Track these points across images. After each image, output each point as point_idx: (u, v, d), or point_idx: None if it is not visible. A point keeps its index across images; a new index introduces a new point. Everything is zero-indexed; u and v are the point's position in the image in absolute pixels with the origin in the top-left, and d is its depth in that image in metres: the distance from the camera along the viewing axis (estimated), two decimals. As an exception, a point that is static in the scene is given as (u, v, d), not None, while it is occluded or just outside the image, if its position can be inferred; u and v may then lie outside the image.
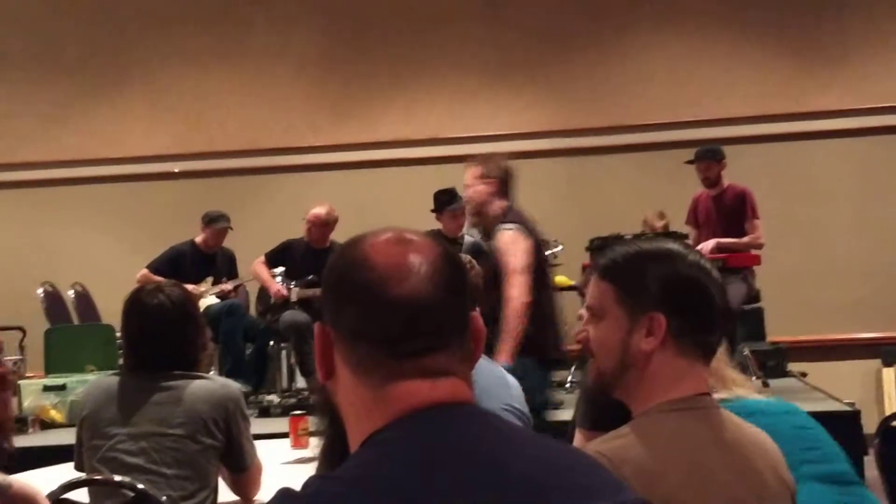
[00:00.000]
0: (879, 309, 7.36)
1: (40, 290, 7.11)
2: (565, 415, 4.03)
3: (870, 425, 3.39)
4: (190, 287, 6.08)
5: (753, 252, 5.96)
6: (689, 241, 6.23)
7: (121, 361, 3.00)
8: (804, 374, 6.59)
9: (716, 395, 1.63)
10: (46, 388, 5.99)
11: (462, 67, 7.98)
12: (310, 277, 6.12)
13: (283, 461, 3.33)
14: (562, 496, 0.95)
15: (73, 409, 5.53)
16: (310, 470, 1.20)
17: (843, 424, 4.59)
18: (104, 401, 2.65)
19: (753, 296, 6.07)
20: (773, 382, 5.83)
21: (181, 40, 8.14)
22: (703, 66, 7.80)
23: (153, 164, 8.04)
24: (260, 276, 6.41)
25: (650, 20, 7.89)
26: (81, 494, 2.52)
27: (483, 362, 1.48)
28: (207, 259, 6.63)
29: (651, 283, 1.49)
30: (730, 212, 6.03)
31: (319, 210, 6.37)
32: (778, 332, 6.85)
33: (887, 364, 7.28)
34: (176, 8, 8.19)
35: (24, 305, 7.20)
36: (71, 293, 7.27)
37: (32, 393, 5.96)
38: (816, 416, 2.31)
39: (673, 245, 1.56)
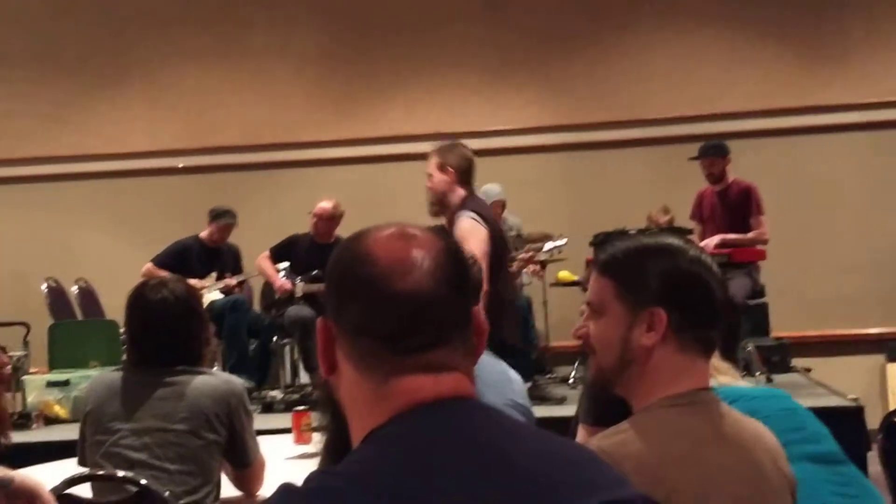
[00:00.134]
0: (883, 304, 7.35)
1: (44, 286, 7.12)
2: (568, 411, 4.02)
3: (874, 421, 3.38)
4: (194, 282, 6.10)
5: (758, 247, 5.96)
6: (694, 237, 6.23)
7: (124, 357, 3.00)
8: (808, 370, 6.58)
9: None
10: (50, 384, 5.99)
11: (463, 64, 7.98)
12: (314, 272, 6.12)
13: (287, 457, 3.33)
14: (565, 491, 0.95)
15: (77, 404, 5.53)
16: (312, 465, 1.19)
17: (847, 420, 4.58)
18: (107, 396, 2.65)
19: (758, 291, 6.07)
20: (777, 378, 5.82)
21: (182, 38, 8.14)
22: (705, 62, 7.79)
23: (156, 159, 8.05)
24: (264, 271, 6.42)
25: (651, 17, 7.88)
26: (85, 489, 2.53)
27: (485, 357, 1.48)
28: (212, 254, 6.64)
29: (651, 279, 1.48)
30: (735, 207, 6.02)
31: (326, 204, 6.39)
32: (782, 327, 6.84)
33: (892, 360, 7.27)
34: (176, 6, 8.19)
35: (28, 301, 7.21)
36: (74, 289, 7.28)
37: (36, 388, 5.97)
38: (820, 411, 2.31)
39: (673, 240, 1.55)
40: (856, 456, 2.30)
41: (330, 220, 6.37)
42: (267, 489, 2.72)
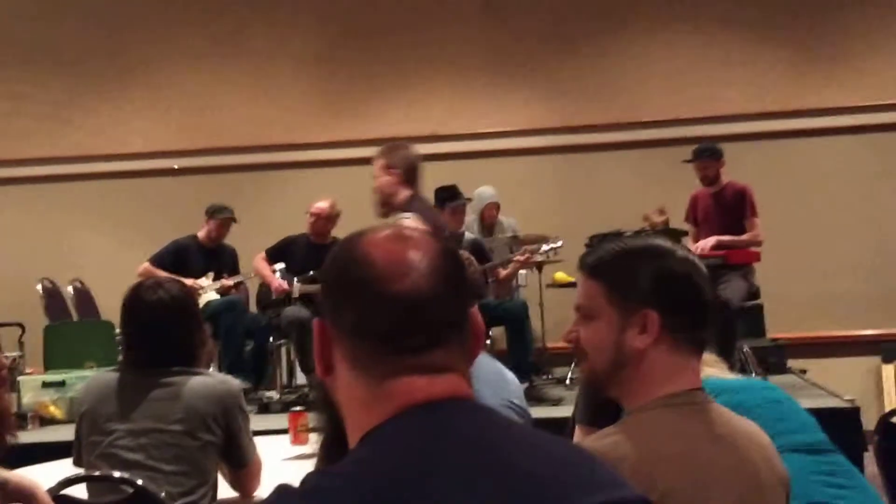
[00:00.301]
0: (879, 305, 7.37)
1: (39, 287, 7.11)
2: (565, 412, 4.02)
3: (870, 422, 3.39)
4: (191, 281, 6.11)
5: (753, 249, 5.96)
6: (689, 239, 6.23)
7: (120, 358, 2.99)
8: (804, 371, 6.59)
9: None
10: (46, 385, 5.98)
11: (462, 65, 7.98)
12: (311, 273, 6.12)
13: (283, 457, 3.33)
14: (564, 491, 0.95)
15: (73, 405, 5.52)
16: (309, 466, 1.19)
17: (843, 421, 4.59)
18: (103, 397, 2.65)
19: (753, 293, 6.07)
20: (772, 379, 5.82)
21: (181, 40, 8.14)
22: (700, 64, 7.81)
23: (153, 160, 8.04)
24: (260, 272, 6.42)
25: (649, 18, 7.90)
26: (81, 490, 2.52)
27: (481, 358, 1.48)
28: (210, 254, 6.65)
29: (642, 280, 1.48)
30: (729, 209, 6.02)
31: (323, 203, 6.42)
32: (778, 328, 6.85)
33: (887, 361, 7.28)
34: (176, 8, 8.18)
35: (23, 301, 7.20)
36: (70, 289, 7.27)
37: (32, 389, 5.96)
38: (816, 412, 2.32)
39: (660, 241, 1.55)
40: (852, 457, 2.30)
41: (328, 219, 6.39)
42: (263, 490, 2.72)
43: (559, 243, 6.14)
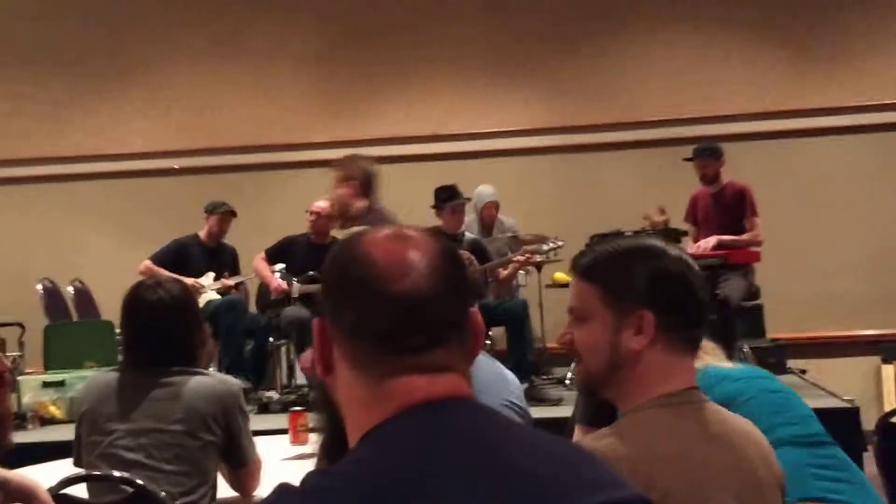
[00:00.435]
0: (879, 306, 7.36)
1: (39, 286, 7.11)
2: (565, 412, 4.02)
3: (869, 422, 3.39)
4: (192, 281, 6.11)
5: (753, 249, 5.96)
6: (689, 239, 6.23)
7: (120, 357, 2.99)
8: (804, 371, 6.59)
9: None
10: (46, 385, 5.98)
11: (462, 65, 7.98)
12: (311, 273, 6.12)
13: (283, 457, 3.33)
14: (563, 490, 0.95)
15: (73, 405, 5.52)
16: (309, 466, 1.19)
17: (842, 421, 4.58)
18: (103, 396, 2.65)
19: (753, 293, 6.07)
20: (772, 379, 5.82)
21: (181, 40, 8.14)
22: (700, 64, 7.80)
23: (153, 160, 8.04)
24: (260, 272, 6.42)
25: (649, 18, 7.90)
26: (81, 490, 2.52)
27: (482, 358, 1.48)
28: (211, 253, 6.65)
29: (637, 281, 1.47)
30: (729, 209, 6.02)
31: (323, 202, 6.41)
32: (777, 328, 6.85)
33: (887, 361, 7.28)
34: (176, 8, 8.18)
35: (23, 301, 7.20)
36: (70, 289, 7.27)
37: (32, 389, 5.96)
38: (816, 412, 2.32)
39: (653, 241, 1.55)
40: (852, 457, 2.30)
41: (328, 217, 6.37)
42: (263, 490, 2.72)
43: (560, 243, 6.13)
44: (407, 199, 6.94)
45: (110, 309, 5.77)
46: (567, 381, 6.10)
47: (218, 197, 6.85)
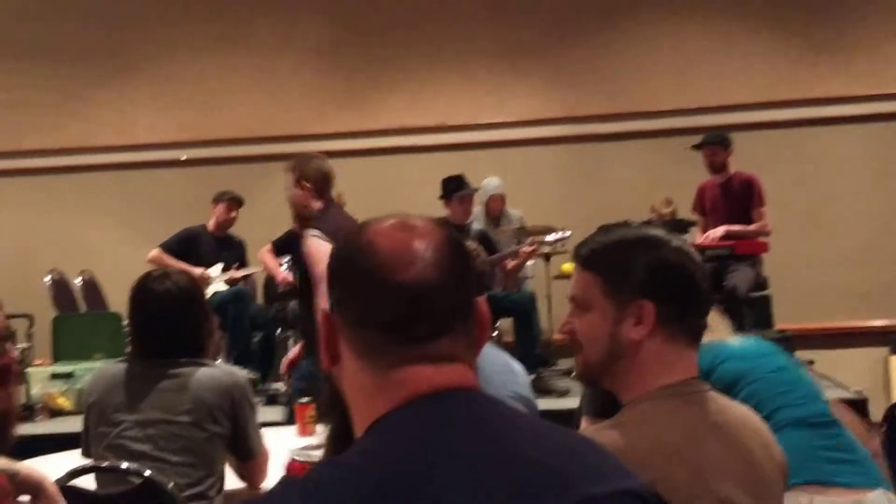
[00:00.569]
0: (887, 296, 7.34)
1: (48, 278, 7.12)
2: (572, 403, 4.03)
3: (877, 413, 3.38)
4: (199, 271, 6.13)
5: (761, 239, 5.95)
6: (697, 229, 6.22)
7: (128, 349, 3.00)
8: (811, 362, 6.57)
9: None
10: (54, 376, 6.00)
11: (467, 56, 7.96)
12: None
13: (290, 449, 3.33)
14: (570, 480, 0.95)
15: (81, 396, 5.53)
16: (316, 457, 1.19)
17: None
18: (111, 388, 2.65)
19: (761, 283, 6.06)
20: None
21: (186, 31, 8.13)
22: (711, 52, 7.77)
23: (160, 151, 8.05)
24: (266, 264, 6.42)
25: (657, 7, 7.87)
26: (89, 481, 2.53)
27: (488, 349, 1.47)
28: (219, 244, 6.67)
29: (637, 271, 1.47)
30: (737, 198, 6.01)
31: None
32: (785, 319, 6.83)
33: (895, 352, 7.26)
34: (182, -2, 8.19)
35: (31, 293, 7.20)
36: (78, 281, 7.28)
37: (40, 381, 5.98)
38: (825, 404, 2.32)
39: (654, 231, 1.54)
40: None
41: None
42: (270, 481, 2.73)
43: (567, 234, 6.12)
44: (413, 190, 6.96)
45: (118, 301, 5.78)
46: (574, 373, 6.10)
47: (225, 188, 6.86)
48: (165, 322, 2.66)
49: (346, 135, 7.91)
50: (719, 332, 2.26)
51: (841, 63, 7.65)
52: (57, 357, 6.46)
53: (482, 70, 7.94)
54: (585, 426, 1.94)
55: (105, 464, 2.53)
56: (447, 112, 7.90)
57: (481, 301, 1.08)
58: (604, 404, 1.78)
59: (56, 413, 5.82)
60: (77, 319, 6.90)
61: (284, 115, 8.01)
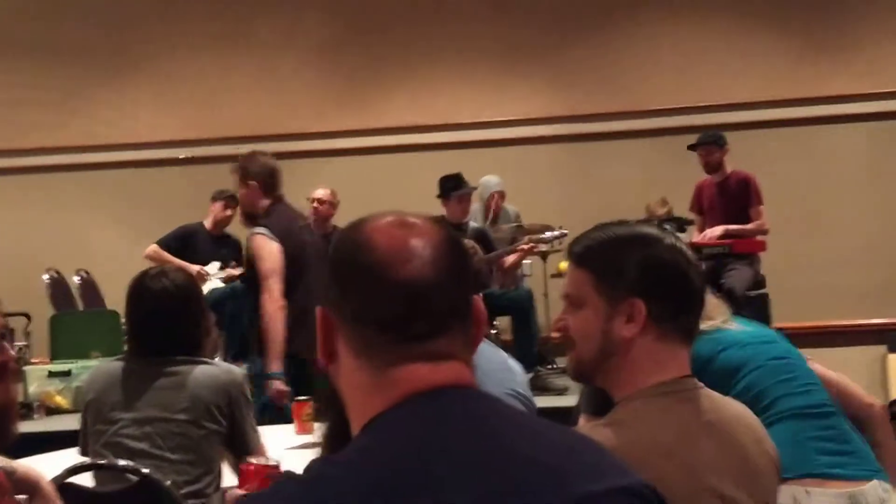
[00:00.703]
0: (885, 295, 7.34)
1: (46, 276, 7.12)
2: (570, 401, 4.03)
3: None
4: (197, 268, 6.13)
5: (759, 238, 5.96)
6: (695, 228, 6.23)
7: (125, 347, 3.00)
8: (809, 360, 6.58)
9: None
10: (51, 374, 6.00)
11: (468, 53, 7.96)
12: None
13: (287, 446, 3.33)
14: (567, 478, 0.95)
15: (78, 394, 5.53)
16: (313, 455, 1.19)
17: (848, 411, 4.58)
18: (108, 385, 2.65)
19: (759, 282, 6.07)
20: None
21: (188, 29, 8.13)
22: (711, 51, 7.77)
23: (159, 150, 8.04)
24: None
25: (657, 7, 7.87)
26: (86, 479, 2.53)
27: (485, 347, 1.47)
28: (216, 241, 6.68)
29: (629, 269, 1.47)
30: (734, 198, 6.02)
31: (325, 191, 6.48)
32: (783, 317, 6.81)
33: (893, 350, 7.27)
34: (184, -5, 8.19)
35: (29, 291, 7.20)
36: (76, 279, 7.28)
37: (37, 379, 5.98)
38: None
39: (648, 229, 1.54)
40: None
41: (331, 205, 6.46)
42: (268, 479, 2.72)
43: (564, 232, 6.12)
44: (412, 189, 6.95)
45: (116, 299, 5.77)
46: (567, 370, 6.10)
47: (225, 186, 6.85)
48: (162, 320, 2.66)
49: (347, 133, 7.91)
50: (719, 317, 2.26)
51: (841, 62, 7.65)
52: (54, 355, 6.45)
53: (483, 69, 7.94)
54: (583, 424, 1.94)
55: (103, 461, 2.53)
56: (448, 111, 7.90)
57: (477, 299, 1.08)
58: (602, 402, 1.78)
59: (53, 411, 5.83)
60: (74, 318, 6.90)
61: (285, 114, 8.01)
